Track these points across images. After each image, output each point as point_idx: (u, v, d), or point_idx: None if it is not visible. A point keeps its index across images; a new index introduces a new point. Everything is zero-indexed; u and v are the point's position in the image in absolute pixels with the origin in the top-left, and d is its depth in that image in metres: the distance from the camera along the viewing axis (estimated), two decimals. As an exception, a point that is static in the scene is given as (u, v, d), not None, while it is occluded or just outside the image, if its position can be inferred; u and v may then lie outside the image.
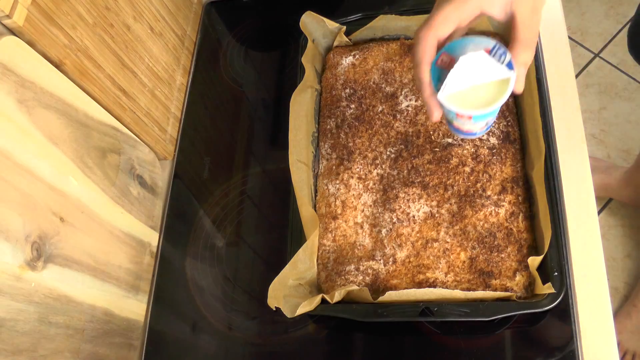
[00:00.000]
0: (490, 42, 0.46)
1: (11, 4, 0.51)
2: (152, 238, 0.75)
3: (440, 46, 0.47)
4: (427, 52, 0.45)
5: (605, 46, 1.56)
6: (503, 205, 0.64)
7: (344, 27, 0.77)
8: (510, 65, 0.46)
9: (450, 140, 0.69)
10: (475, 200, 0.65)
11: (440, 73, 0.47)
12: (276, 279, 0.62)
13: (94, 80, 0.63)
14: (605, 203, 1.39)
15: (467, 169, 0.67)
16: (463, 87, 0.46)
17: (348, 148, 0.72)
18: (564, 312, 0.59)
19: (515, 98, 0.70)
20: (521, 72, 0.46)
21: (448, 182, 0.67)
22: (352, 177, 0.70)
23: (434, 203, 0.66)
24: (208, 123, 0.84)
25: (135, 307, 0.70)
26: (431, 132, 0.70)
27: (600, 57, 1.55)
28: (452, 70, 0.46)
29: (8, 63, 0.51)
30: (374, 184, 0.69)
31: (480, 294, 0.59)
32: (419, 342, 0.63)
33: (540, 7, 0.45)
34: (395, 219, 0.66)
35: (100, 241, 0.63)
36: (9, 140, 0.51)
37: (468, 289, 0.61)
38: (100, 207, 0.64)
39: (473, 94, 0.47)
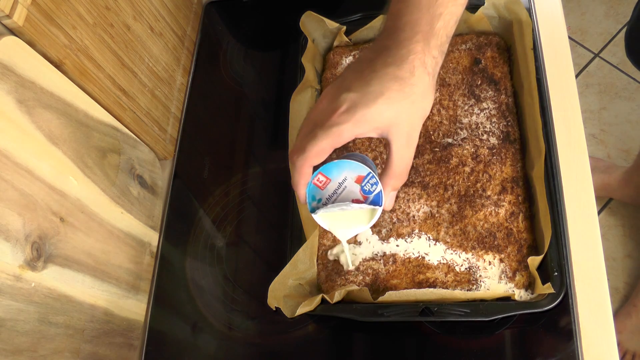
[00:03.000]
0: (364, 170, 0.50)
1: (11, 4, 0.51)
2: (152, 238, 0.75)
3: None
4: (303, 177, 0.49)
5: (605, 46, 1.56)
6: (503, 205, 0.64)
7: (344, 27, 0.77)
8: (378, 196, 0.50)
9: (450, 140, 0.69)
10: (475, 200, 0.65)
11: (315, 190, 0.51)
12: (276, 279, 0.62)
13: (94, 80, 0.63)
14: (605, 203, 1.39)
15: (467, 169, 0.67)
16: (335, 211, 0.51)
17: (348, 148, 0.72)
18: (564, 312, 0.59)
19: (515, 98, 0.70)
20: (391, 195, 0.51)
21: (448, 182, 0.67)
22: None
23: (434, 203, 0.66)
24: (208, 123, 0.84)
25: (135, 307, 0.70)
26: (431, 132, 0.70)
27: (600, 57, 1.55)
28: (326, 198, 0.51)
29: (8, 63, 0.51)
30: (374, 184, 0.69)
31: (480, 294, 0.59)
32: (419, 342, 0.63)
33: (414, 141, 0.48)
34: (395, 219, 0.66)
35: (100, 241, 0.63)
36: (9, 140, 0.51)
37: (468, 289, 0.61)
38: (100, 207, 0.64)
39: (343, 216, 0.52)
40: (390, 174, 0.49)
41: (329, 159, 0.49)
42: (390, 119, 0.46)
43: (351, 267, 0.63)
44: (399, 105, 0.46)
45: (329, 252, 0.65)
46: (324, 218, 0.53)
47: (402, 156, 0.48)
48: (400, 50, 0.46)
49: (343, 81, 0.48)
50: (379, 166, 0.67)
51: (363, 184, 0.50)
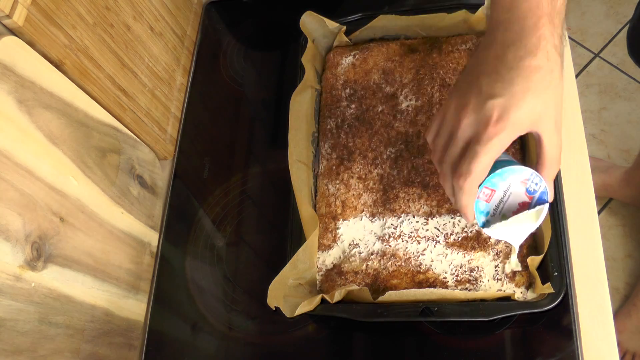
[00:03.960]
0: (528, 172, 0.49)
1: (11, 4, 0.51)
2: (152, 238, 0.75)
3: None
4: (472, 198, 0.48)
5: (605, 46, 1.56)
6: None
7: (344, 27, 0.77)
8: (544, 193, 0.50)
9: (450, 140, 0.69)
10: (475, 200, 0.65)
11: (482, 204, 0.51)
12: (276, 278, 0.62)
13: (94, 80, 0.63)
14: (605, 203, 1.39)
15: (467, 169, 0.67)
16: (505, 223, 0.52)
17: (348, 148, 0.72)
18: (564, 312, 0.59)
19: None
20: (550, 185, 0.50)
21: (448, 182, 0.66)
22: (352, 177, 0.70)
23: (434, 203, 0.66)
24: (208, 123, 0.84)
25: (135, 307, 0.70)
26: (431, 132, 0.70)
27: (600, 57, 1.55)
28: (493, 209, 0.51)
29: (8, 63, 0.51)
30: (374, 184, 0.69)
31: (480, 294, 0.59)
32: (419, 342, 0.63)
33: (560, 126, 0.48)
34: (395, 219, 0.66)
35: (100, 241, 0.63)
36: (9, 140, 0.51)
37: (468, 289, 0.61)
38: (100, 207, 0.64)
39: (515, 222, 0.52)
40: (548, 164, 0.49)
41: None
42: (540, 112, 0.46)
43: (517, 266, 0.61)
44: (546, 96, 0.46)
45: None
46: (498, 230, 0.52)
47: (556, 144, 0.48)
48: (530, 39, 0.45)
49: (479, 87, 0.46)
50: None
51: (528, 185, 0.50)
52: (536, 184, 0.50)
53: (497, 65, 0.46)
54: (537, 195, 0.50)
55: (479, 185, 0.48)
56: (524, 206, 0.51)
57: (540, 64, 0.45)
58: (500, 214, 0.51)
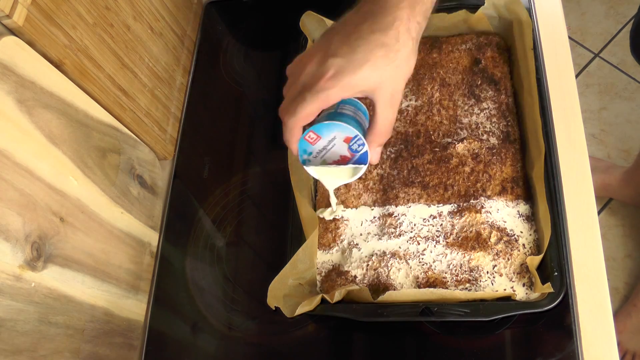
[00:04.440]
0: (352, 132, 0.53)
1: (11, 4, 0.51)
2: (152, 238, 0.75)
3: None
4: (294, 136, 0.53)
5: (605, 46, 1.56)
6: (503, 206, 0.64)
7: (344, 27, 0.77)
8: (364, 155, 0.55)
9: (450, 140, 0.69)
10: (475, 200, 0.65)
11: (306, 145, 0.55)
12: (276, 278, 0.62)
13: (94, 80, 0.63)
14: (605, 203, 1.39)
15: (467, 169, 0.67)
16: (323, 167, 0.57)
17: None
18: (564, 312, 0.59)
19: (515, 98, 0.70)
20: (376, 150, 0.55)
21: (448, 182, 0.67)
22: (352, 177, 0.70)
23: (434, 203, 0.66)
24: (208, 123, 0.84)
25: (135, 307, 0.70)
26: (431, 132, 0.70)
27: (600, 57, 1.55)
28: (316, 152, 0.56)
29: (8, 63, 0.51)
30: (374, 184, 0.69)
31: (480, 294, 0.59)
32: (419, 342, 0.63)
33: (396, 102, 0.52)
34: (395, 219, 0.66)
35: (100, 241, 0.63)
36: (9, 140, 0.51)
37: (468, 289, 0.61)
38: (100, 207, 0.64)
39: (331, 170, 0.57)
40: (376, 132, 0.53)
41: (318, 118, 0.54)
42: (375, 83, 0.49)
43: (334, 214, 0.68)
44: (384, 71, 0.49)
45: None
46: (313, 170, 0.58)
47: (386, 116, 0.52)
48: (386, 17, 0.49)
49: (329, 45, 0.50)
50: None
51: (351, 144, 0.54)
52: (359, 145, 0.54)
53: (351, 31, 0.50)
54: (357, 156, 0.55)
55: (308, 128, 0.54)
56: (344, 159, 0.56)
57: (387, 41, 0.48)
58: (321, 158, 0.56)
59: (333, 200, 0.66)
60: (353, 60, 0.48)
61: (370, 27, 0.49)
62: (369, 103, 0.52)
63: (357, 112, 0.57)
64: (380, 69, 0.49)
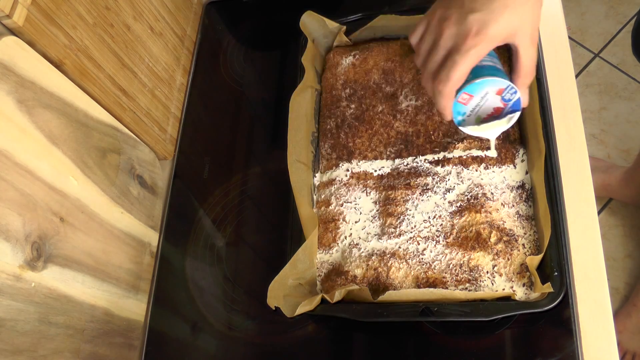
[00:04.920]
0: (504, 83, 0.54)
1: (11, 4, 0.51)
2: (152, 238, 0.75)
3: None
4: (450, 101, 0.54)
5: (605, 46, 1.56)
6: (503, 205, 0.64)
7: (344, 27, 0.77)
8: (517, 102, 0.56)
9: (450, 140, 0.69)
10: (475, 200, 0.65)
11: (459, 107, 0.56)
12: (276, 278, 0.62)
13: (94, 80, 0.63)
14: (605, 203, 1.39)
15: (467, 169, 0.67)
16: (478, 125, 0.58)
17: (348, 148, 0.72)
18: (564, 312, 0.59)
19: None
20: (525, 91, 0.56)
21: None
22: (352, 177, 0.70)
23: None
24: (208, 123, 0.84)
25: (135, 307, 0.70)
26: (431, 132, 0.70)
27: (600, 57, 1.55)
28: (470, 111, 0.57)
29: (8, 63, 0.51)
30: (374, 184, 0.69)
31: (480, 294, 0.59)
32: (419, 342, 0.63)
33: (536, 40, 0.53)
34: (395, 219, 0.66)
35: (100, 241, 0.63)
36: (9, 140, 0.51)
37: (468, 289, 0.61)
38: (100, 207, 0.64)
39: (489, 125, 0.58)
40: (523, 73, 0.54)
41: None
42: (516, 26, 0.50)
43: (495, 154, 0.67)
44: (522, 11, 0.50)
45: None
46: (470, 128, 0.59)
47: (530, 55, 0.53)
48: None
49: (462, 2, 0.51)
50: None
51: (503, 95, 0.55)
52: (512, 94, 0.55)
53: None
54: (510, 103, 0.56)
55: (459, 90, 0.54)
56: (498, 111, 0.57)
57: None
58: (475, 115, 0.57)
59: (493, 144, 0.67)
60: (493, 10, 0.49)
61: None
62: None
63: (493, 59, 0.57)
64: (519, 11, 0.49)
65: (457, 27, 0.50)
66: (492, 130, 0.60)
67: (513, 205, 0.64)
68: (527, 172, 0.66)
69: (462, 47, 0.50)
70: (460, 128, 0.58)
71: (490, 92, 0.54)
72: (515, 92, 0.55)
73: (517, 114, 0.57)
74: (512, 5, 0.49)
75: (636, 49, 1.01)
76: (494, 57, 0.58)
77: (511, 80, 0.55)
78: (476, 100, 0.55)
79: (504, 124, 0.59)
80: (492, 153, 0.67)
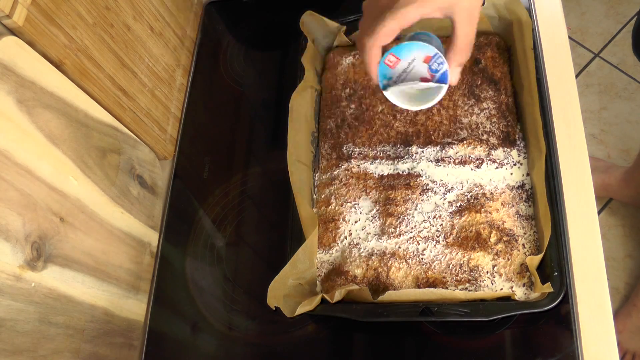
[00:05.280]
0: (432, 50, 0.53)
1: (11, 4, 0.51)
2: (152, 238, 0.75)
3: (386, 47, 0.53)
4: (373, 57, 0.52)
5: (605, 46, 1.56)
6: (503, 205, 0.64)
7: (344, 27, 0.77)
8: (444, 75, 0.54)
9: (450, 140, 0.69)
10: (475, 200, 0.65)
11: (386, 70, 0.55)
12: (276, 278, 0.62)
13: (94, 80, 0.63)
14: (605, 203, 1.39)
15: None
16: (404, 89, 0.56)
17: (348, 148, 0.72)
18: (564, 312, 0.59)
19: (515, 98, 0.70)
20: (456, 70, 0.54)
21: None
22: (352, 177, 0.70)
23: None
24: (208, 123, 0.84)
25: (135, 307, 0.70)
26: (431, 132, 0.70)
27: (600, 57, 1.55)
28: (396, 77, 0.55)
29: (8, 63, 0.51)
30: (374, 184, 0.69)
31: (480, 294, 0.59)
32: (419, 342, 0.63)
33: (475, 19, 0.52)
34: (395, 219, 0.66)
35: (100, 241, 0.63)
36: (9, 140, 0.51)
37: (468, 289, 0.61)
38: (100, 207, 0.64)
39: (412, 93, 0.56)
40: (456, 50, 0.53)
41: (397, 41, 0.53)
42: (453, 1, 0.49)
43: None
44: None
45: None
46: (394, 95, 0.56)
47: (466, 32, 0.52)
48: None
49: None
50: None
51: (430, 63, 0.53)
52: (439, 64, 0.53)
53: None
54: (438, 75, 0.54)
55: (387, 53, 0.53)
56: (424, 81, 0.55)
57: None
58: (401, 81, 0.55)
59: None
60: None
61: None
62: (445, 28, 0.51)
63: (431, 40, 0.56)
64: None
65: None
66: (415, 104, 0.57)
67: (513, 205, 0.64)
68: (527, 173, 0.66)
69: (394, 6, 0.49)
70: (385, 93, 0.56)
71: (417, 58, 0.53)
72: (443, 63, 0.53)
73: (444, 89, 0.55)
74: None
75: (636, 48, 1.01)
76: (435, 39, 0.56)
77: (445, 53, 0.54)
78: (403, 64, 0.54)
79: (427, 100, 0.56)
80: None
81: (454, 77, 0.55)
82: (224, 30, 0.91)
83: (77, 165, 0.60)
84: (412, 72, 0.54)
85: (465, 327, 0.62)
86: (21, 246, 0.51)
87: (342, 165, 0.71)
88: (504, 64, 0.72)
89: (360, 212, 0.68)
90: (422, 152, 0.69)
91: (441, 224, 0.65)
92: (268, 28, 0.90)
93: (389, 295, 0.59)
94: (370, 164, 0.70)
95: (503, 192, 0.65)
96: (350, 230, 0.67)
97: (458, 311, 0.58)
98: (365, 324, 0.61)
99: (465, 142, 0.68)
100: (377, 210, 0.67)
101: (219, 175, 0.79)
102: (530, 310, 0.58)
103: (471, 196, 0.65)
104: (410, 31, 0.55)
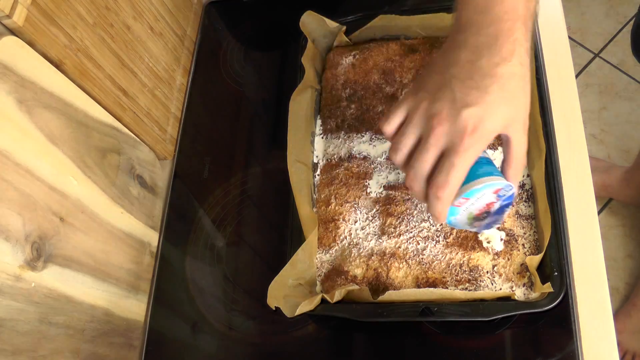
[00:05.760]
0: (502, 183, 0.50)
1: (11, 4, 0.51)
2: (152, 238, 0.75)
3: None
4: (447, 207, 0.49)
5: (605, 46, 1.56)
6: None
7: (344, 27, 0.77)
8: (511, 197, 0.52)
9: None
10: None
11: (453, 209, 0.52)
12: (276, 278, 0.62)
13: (94, 80, 0.63)
14: (605, 203, 1.39)
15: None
16: (471, 222, 0.55)
17: (348, 148, 0.72)
18: (564, 312, 0.59)
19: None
20: (516, 184, 0.51)
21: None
22: (352, 177, 0.70)
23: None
24: (208, 123, 0.84)
25: (135, 307, 0.70)
26: (431, 132, 0.70)
27: (600, 57, 1.55)
28: (462, 209, 0.52)
29: (8, 63, 0.51)
30: (374, 184, 0.69)
31: (480, 294, 0.59)
32: (419, 342, 0.63)
33: (527, 126, 0.49)
34: (395, 219, 0.66)
35: (100, 241, 0.63)
36: (9, 140, 0.51)
37: (468, 289, 0.61)
38: (100, 207, 0.64)
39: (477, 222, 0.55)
40: (514, 164, 0.50)
41: None
42: (511, 117, 0.46)
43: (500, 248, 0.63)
44: (518, 101, 0.46)
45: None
46: (460, 223, 0.55)
47: (523, 144, 0.49)
48: (506, 45, 0.45)
49: (453, 94, 0.46)
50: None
51: (500, 193, 0.51)
52: (507, 192, 0.52)
53: (471, 70, 0.45)
54: (504, 198, 0.53)
55: (459, 196, 0.50)
56: (489, 206, 0.53)
57: (515, 70, 0.45)
58: (467, 212, 0.53)
59: (496, 237, 0.63)
60: (489, 103, 0.44)
61: (490, 61, 0.45)
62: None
63: (489, 160, 0.53)
64: (514, 101, 0.46)
65: (450, 124, 0.45)
66: (484, 228, 0.56)
67: (513, 205, 0.64)
68: (527, 173, 0.66)
69: (459, 147, 0.45)
70: (451, 225, 0.55)
71: (487, 193, 0.51)
72: (511, 188, 0.51)
73: (508, 210, 0.54)
74: (508, 97, 0.45)
75: (636, 49, 1.01)
76: (488, 155, 0.55)
77: (502, 169, 0.52)
78: (472, 201, 0.51)
79: (497, 222, 0.55)
80: (498, 246, 0.62)
81: (516, 191, 0.52)
82: (224, 30, 0.91)
83: (77, 165, 0.60)
84: (478, 202, 0.52)
85: (465, 327, 0.62)
86: (21, 246, 0.51)
87: (342, 165, 0.71)
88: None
89: (360, 212, 0.68)
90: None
91: (441, 224, 0.65)
92: (268, 28, 0.90)
93: (389, 295, 0.59)
94: (371, 163, 0.70)
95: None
96: (350, 230, 0.67)
97: (458, 311, 0.58)
98: (365, 324, 0.61)
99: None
100: (377, 210, 0.67)
101: (219, 175, 0.79)
102: (530, 310, 0.58)
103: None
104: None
